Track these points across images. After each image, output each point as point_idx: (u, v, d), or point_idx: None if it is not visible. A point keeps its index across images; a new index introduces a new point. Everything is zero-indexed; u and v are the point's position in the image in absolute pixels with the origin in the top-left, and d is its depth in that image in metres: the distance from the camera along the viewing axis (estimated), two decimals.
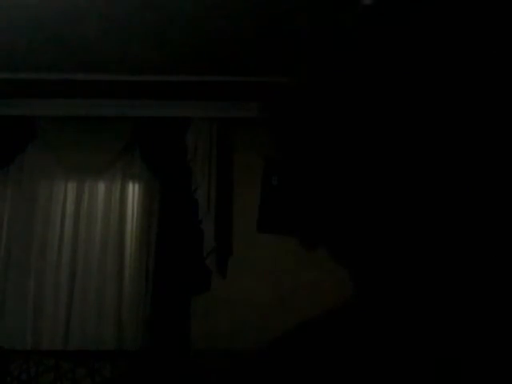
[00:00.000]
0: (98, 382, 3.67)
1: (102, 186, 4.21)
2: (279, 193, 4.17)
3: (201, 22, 3.19)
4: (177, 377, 3.83)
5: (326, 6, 2.94)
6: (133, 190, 4.21)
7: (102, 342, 4.01)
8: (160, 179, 4.15)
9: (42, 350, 3.94)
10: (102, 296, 4.06)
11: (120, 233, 4.12)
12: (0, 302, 4.06)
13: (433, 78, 2.59)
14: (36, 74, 3.90)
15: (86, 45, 3.48)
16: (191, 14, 3.11)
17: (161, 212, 4.12)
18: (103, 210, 4.16)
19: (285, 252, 4.09)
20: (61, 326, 4.03)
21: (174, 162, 4.14)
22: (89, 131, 4.17)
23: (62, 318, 4.04)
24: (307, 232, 4.07)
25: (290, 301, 3.98)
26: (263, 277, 4.06)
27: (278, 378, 3.70)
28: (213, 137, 4.14)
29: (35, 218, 4.16)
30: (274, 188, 4.17)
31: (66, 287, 4.08)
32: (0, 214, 4.18)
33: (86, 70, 3.85)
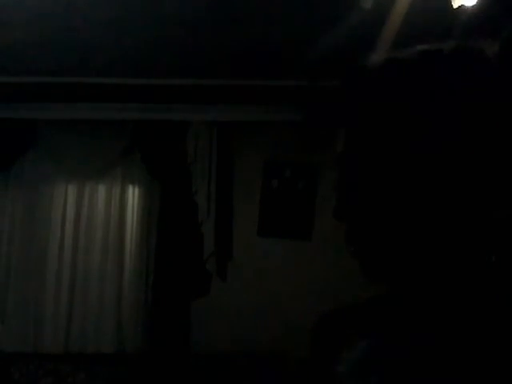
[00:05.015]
0: None
1: (102, 189, 4.21)
2: (279, 196, 4.16)
3: (201, 25, 3.20)
4: (177, 380, 3.83)
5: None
6: (133, 193, 4.21)
7: (102, 345, 4.01)
8: (160, 182, 4.15)
9: (42, 353, 3.95)
10: (103, 299, 4.07)
11: (120, 236, 4.12)
12: (1, 305, 4.07)
13: None
14: (37, 77, 3.91)
15: (87, 48, 3.49)
16: (191, 18, 3.11)
17: (161, 215, 4.12)
18: (103, 213, 4.16)
19: (285, 255, 4.08)
20: (61, 328, 4.04)
21: (173, 165, 4.14)
22: (89, 135, 4.17)
23: (63, 321, 4.05)
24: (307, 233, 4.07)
25: (290, 304, 3.97)
26: (263, 280, 4.05)
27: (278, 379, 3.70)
28: (213, 140, 4.13)
29: (36, 221, 4.16)
30: (274, 191, 4.17)
31: (67, 290, 4.08)
32: (0, 216, 4.18)
33: (86, 73, 3.86)
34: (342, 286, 3.87)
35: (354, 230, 0.68)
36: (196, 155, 4.11)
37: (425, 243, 0.64)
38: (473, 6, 2.47)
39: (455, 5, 2.40)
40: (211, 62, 3.69)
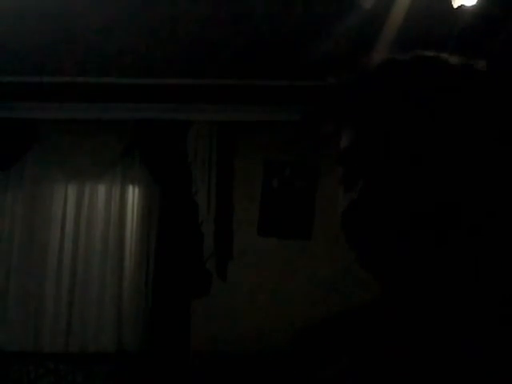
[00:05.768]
0: None
1: (102, 189, 4.21)
2: (279, 196, 4.16)
3: (201, 25, 3.20)
4: (177, 379, 3.83)
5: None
6: (133, 193, 4.21)
7: (103, 344, 4.01)
8: (160, 182, 4.15)
9: (42, 353, 3.95)
10: (103, 299, 4.07)
11: (120, 236, 4.12)
12: (1, 305, 4.07)
13: None
14: (37, 77, 3.91)
15: (87, 48, 3.49)
16: (190, 18, 3.11)
17: (161, 215, 4.12)
18: (103, 213, 4.16)
19: (285, 255, 4.08)
20: (61, 328, 4.03)
21: (174, 165, 4.14)
22: (89, 135, 4.17)
23: (63, 321, 4.04)
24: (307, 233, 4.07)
25: (290, 304, 3.97)
26: (263, 280, 4.05)
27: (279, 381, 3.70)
28: (213, 140, 4.14)
29: (36, 221, 4.16)
30: (275, 191, 4.17)
31: (67, 290, 4.08)
32: (1, 216, 4.18)
33: (86, 73, 3.86)
34: (342, 286, 3.87)
35: (357, 233, 0.67)
36: (196, 155, 4.11)
37: (426, 247, 0.64)
38: (473, 6, 2.48)
39: (455, 5, 2.40)
40: (211, 62, 3.69)
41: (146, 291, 4.07)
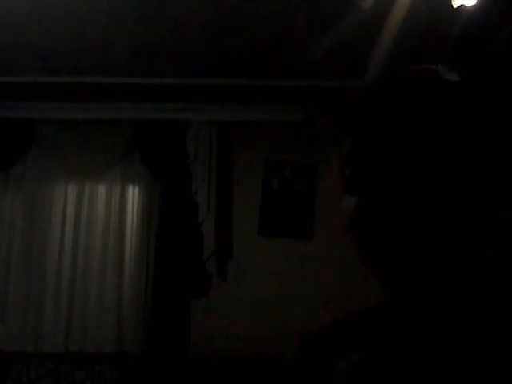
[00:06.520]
0: None
1: (102, 189, 4.21)
2: (279, 195, 4.16)
3: (201, 25, 3.20)
4: (176, 380, 3.83)
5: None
6: (133, 193, 4.21)
7: (103, 344, 4.01)
8: (160, 182, 4.15)
9: (42, 353, 3.95)
10: (103, 299, 4.07)
11: (120, 235, 4.12)
12: (1, 304, 4.07)
13: None
14: (37, 77, 3.91)
15: (86, 48, 3.49)
16: (190, 18, 3.11)
17: (161, 215, 4.12)
18: (103, 212, 4.16)
19: (285, 255, 4.08)
20: (61, 328, 4.04)
21: (174, 164, 4.14)
22: (89, 134, 4.17)
23: (63, 321, 4.04)
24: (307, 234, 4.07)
25: (290, 304, 3.97)
26: (263, 280, 4.05)
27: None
28: (213, 139, 4.13)
29: (36, 221, 4.16)
30: (275, 191, 4.17)
31: (67, 290, 4.08)
32: (1, 216, 4.18)
33: (85, 73, 3.86)
34: (342, 286, 3.87)
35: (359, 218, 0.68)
36: (196, 155, 4.11)
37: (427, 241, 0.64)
38: (473, 6, 2.47)
39: (455, 5, 2.40)
40: (211, 62, 3.69)
41: (146, 291, 4.07)
